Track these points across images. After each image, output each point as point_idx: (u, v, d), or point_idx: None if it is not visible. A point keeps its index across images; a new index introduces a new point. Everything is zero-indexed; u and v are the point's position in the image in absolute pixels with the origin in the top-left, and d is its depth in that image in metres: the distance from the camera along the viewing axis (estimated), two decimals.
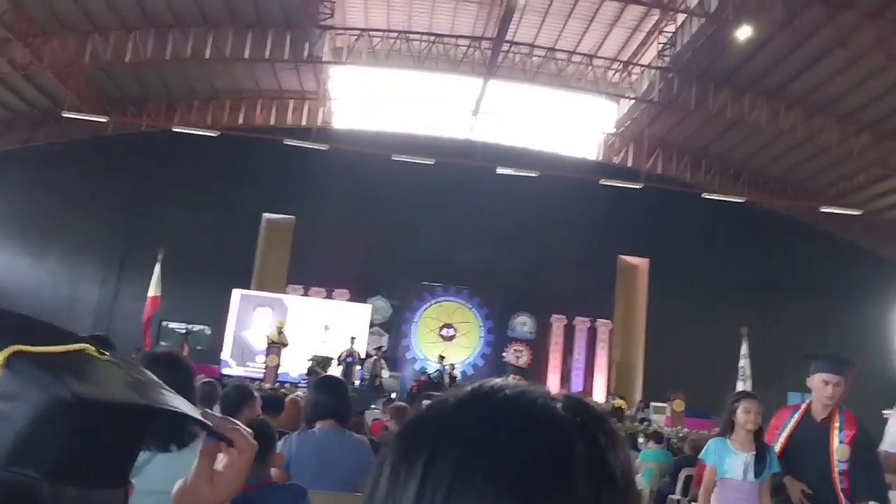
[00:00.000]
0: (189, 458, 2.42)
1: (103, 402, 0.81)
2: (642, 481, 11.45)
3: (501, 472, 0.62)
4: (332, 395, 3.87)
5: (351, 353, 18.39)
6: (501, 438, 0.64)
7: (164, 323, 22.12)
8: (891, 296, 25.38)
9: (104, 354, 0.88)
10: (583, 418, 0.68)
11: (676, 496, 10.06)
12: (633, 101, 23.34)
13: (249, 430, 1.06)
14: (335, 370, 17.67)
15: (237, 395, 4.53)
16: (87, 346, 0.87)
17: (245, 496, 3.02)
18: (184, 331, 22.09)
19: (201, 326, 22.92)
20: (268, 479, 3.09)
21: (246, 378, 18.65)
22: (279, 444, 4.10)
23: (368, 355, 19.39)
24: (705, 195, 22.79)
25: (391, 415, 8.18)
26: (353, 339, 18.82)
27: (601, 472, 0.65)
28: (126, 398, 0.84)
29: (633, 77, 22.75)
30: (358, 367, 18.68)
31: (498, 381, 0.72)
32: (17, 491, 0.76)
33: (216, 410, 4.62)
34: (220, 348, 21.51)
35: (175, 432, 2.50)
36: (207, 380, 6.22)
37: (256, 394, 5.59)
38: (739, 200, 23.17)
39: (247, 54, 20.33)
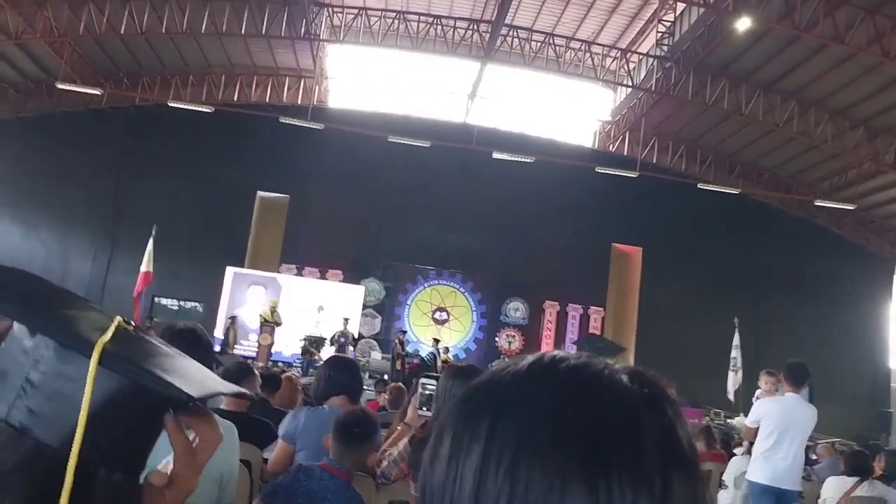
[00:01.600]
0: None
1: (205, 397, 0.83)
2: None
3: (569, 441, 0.61)
4: (344, 372, 3.92)
5: (344, 334, 18.39)
6: (568, 406, 0.63)
7: (157, 299, 22.08)
8: (879, 290, 25.60)
9: (130, 325, 0.89)
10: (651, 390, 0.67)
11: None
12: (630, 90, 23.32)
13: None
14: (328, 350, 17.68)
15: (237, 372, 4.52)
16: (119, 318, 0.88)
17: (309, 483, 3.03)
18: (181, 307, 22.11)
19: (193, 303, 22.90)
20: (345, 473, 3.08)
21: (238, 356, 18.64)
22: (286, 419, 4.10)
23: (361, 336, 19.42)
24: (700, 186, 22.86)
25: (389, 395, 8.21)
26: (346, 320, 18.82)
27: (669, 445, 0.64)
28: (206, 391, 0.85)
29: (631, 65, 22.70)
30: (351, 348, 18.69)
31: (559, 352, 0.70)
32: (78, 475, 0.77)
33: None
34: (212, 326, 21.44)
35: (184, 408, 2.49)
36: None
37: (256, 371, 5.59)
38: (734, 192, 23.23)
39: (243, 29, 20.14)
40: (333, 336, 18.31)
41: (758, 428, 6.43)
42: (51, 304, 0.87)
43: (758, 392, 8.65)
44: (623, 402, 0.65)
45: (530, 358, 0.70)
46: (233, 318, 19.29)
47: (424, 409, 3.22)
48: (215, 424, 0.88)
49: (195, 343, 2.63)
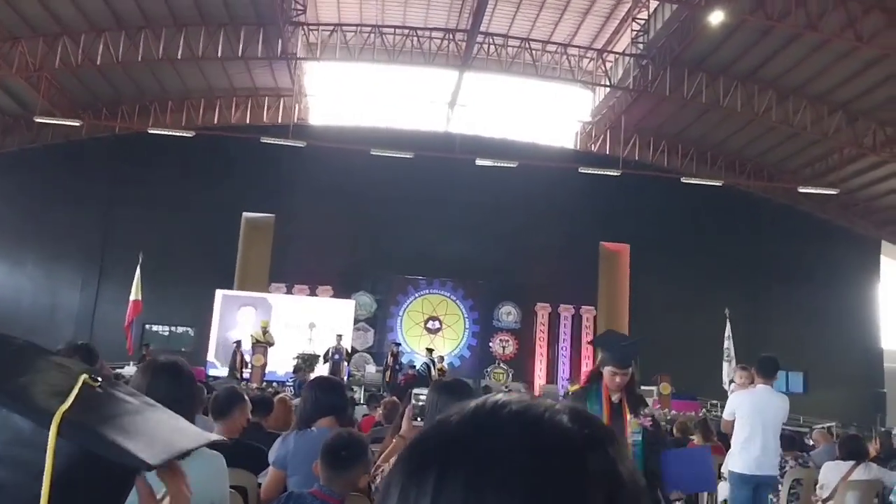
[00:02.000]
0: (188, 468, 2.41)
1: (163, 462, 0.83)
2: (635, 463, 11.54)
3: (514, 489, 0.62)
4: (331, 392, 3.88)
5: (338, 350, 18.36)
6: (512, 454, 0.64)
7: (147, 326, 21.99)
8: (867, 271, 25.76)
9: (97, 381, 0.88)
10: (590, 430, 0.68)
11: (722, 495, 10.11)
12: (608, 89, 23.44)
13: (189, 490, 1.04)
14: (322, 368, 17.65)
15: (227, 399, 4.49)
16: (85, 376, 0.87)
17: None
18: (171, 333, 22.04)
19: (185, 328, 22.84)
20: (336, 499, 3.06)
21: (232, 379, 18.59)
22: (276, 444, 4.10)
23: (354, 350, 19.41)
24: (683, 180, 22.96)
25: (384, 409, 8.17)
26: (339, 336, 18.80)
27: (613, 484, 0.65)
28: (168, 452, 0.85)
29: (608, 65, 22.82)
30: (345, 364, 18.66)
31: (501, 395, 0.71)
32: None
33: (203, 414, 4.59)
34: (204, 349, 21.38)
35: None
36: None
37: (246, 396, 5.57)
38: (717, 184, 23.36)
39: (219, 53, 20.16)
40: (327, 352, 18.28)
41: (734, 420, 6.71)
42: (7, 369, 0.85)
43: (732, 386, 9.13)
44: (565, 445, 0.65)
45: (473, 405, 0.70)
46: (238, 343, 19.11)
47: (419, 419, 3.24)
48: (182, 482, 0.88)
49: (177, 376, 2.64)
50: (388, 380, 18.36)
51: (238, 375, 17.78)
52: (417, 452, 0.68)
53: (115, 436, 0.80)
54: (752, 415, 6.53)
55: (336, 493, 3.09)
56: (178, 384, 2.61)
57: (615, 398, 4.44)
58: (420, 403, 3.26)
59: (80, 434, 0.79)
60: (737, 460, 6.61)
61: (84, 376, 0.87)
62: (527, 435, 0.66)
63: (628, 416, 4.36)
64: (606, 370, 4.39)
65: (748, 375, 7.60)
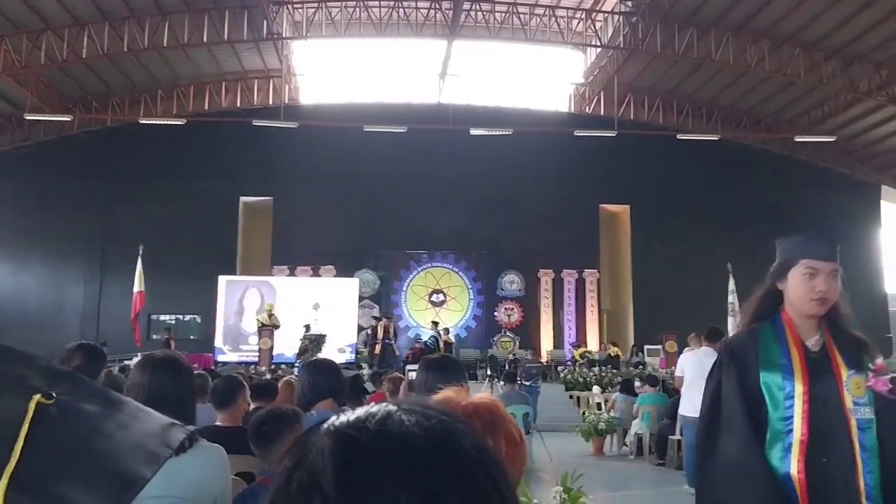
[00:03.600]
0: (188, 463, 2.42)
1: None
2: (642, 425, 11.63)
3: None
4: (327, 375, 3.86)
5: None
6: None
7: (154, 316, 22.09)
8: (869, 217, 25.68)
9: (51, 398, 0.83)
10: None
11: (677, 436, 10.22)
12: (599, 49, 23.24)
13: None
14: (331, 350, 17.78)
15: (228, 387, 4.50)
16: (38, 397, 0.83)
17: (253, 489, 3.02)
18: (172, 322, 22.14)
19: (191, 316, 22.96)
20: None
21: (241, 363, 18.70)
22: None
23: (360, 328, 19.50)
24: (679, 136, 22.84)
25: (390, 385, 8.21)
26: (375, 318, 19.45)
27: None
28: (127, 490, 0.82)
29: (598, 25, 22.57)
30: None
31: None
32: None
33: (206, 403, 4.61)
34: (212, 336, 21.48)
35: None
36: (199, 372, 6.19)
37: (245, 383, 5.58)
38: (714, 138, 23.23)
39: (205, 38, 20.00)
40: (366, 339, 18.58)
41: (683, 376, 8.65)
42: None
43: (685, 350, 10.62)
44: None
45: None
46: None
47: (414, 394, 3.26)
48: None
49: (177, 371, 2.67)
50: (376, 353, 18.27)
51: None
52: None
53: (67, 489, 0.77)
54: (688, 370, 8.39)
55: (272, 472, 3.06)
56: (179, 380, 2.64)
57: (813, 342, 2.46)
58: (413, 378, 3.27)
59: (28, 499, 0.75)
60: (684, 406, 8.43)
61: (37, 398, 0.82)
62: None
63: (843, 374, 2.36)
64: (795, 276, 2.49)
65: (697, 340, 9.21)
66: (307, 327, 18.11)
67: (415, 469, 0.63)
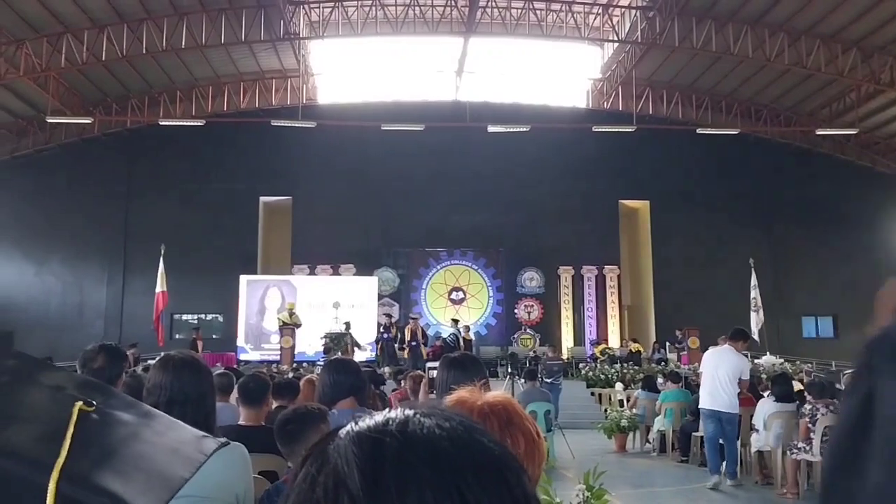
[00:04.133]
0: (210, 463, 2.43)
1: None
2: (665, 422, 11.56)
3: None
4: (348, 373, 3.86)
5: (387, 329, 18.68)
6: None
7: (176, 316, 22.28)
8: (893, 209, 25.37)
9: (92, 406, 0.86)
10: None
11: (700, 433, 10.15)
12: (616, 44, 23.10)
13: None
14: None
15: (258, 387, 4.52)
16: (80, 403, 0.85)
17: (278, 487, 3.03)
18: (195, 322, 22.33)
19: (213, 315, 23.14)
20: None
21: (263, 361, 18.81)
22: None
23: (381, 326, 19.59)
24: (699, 131, 22.69)
25: (411, 383, 8.23)
26: (388, 315, 19.64)
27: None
28: (164, 494, 0.84)
29: (615, 19, 22.46)
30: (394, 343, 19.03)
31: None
32: None
33: (232, 400, 4.64)
34: (234, 335, 21.63)
35: None
36: (223, 371, 6.23)
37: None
38: (734, 132, 23.05)
39: (222, 39, 20.10)
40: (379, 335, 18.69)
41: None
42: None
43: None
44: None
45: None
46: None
47: (434, 392, 3.26)
48: None
49: (198, 371, 2.69)
50: (406, 356, 18.43)
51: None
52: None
53: (113, 484, 0.79)
54: (707, 366, 8.83)
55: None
56: (199, 380, 2.66)
57: None
58: (433, 376, 3.26)
59: (78, 490, 0.77)
60: (702, 399, 8.85)
61: (79, 405, 0.84)
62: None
63: None
64: None
65: (724, 339, 9.60)
66: (347, 325, 18.30)
67: (440, 467, 0.64)
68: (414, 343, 18.34)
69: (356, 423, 0.70)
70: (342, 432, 0.69)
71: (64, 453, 0.78)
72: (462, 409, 1.34)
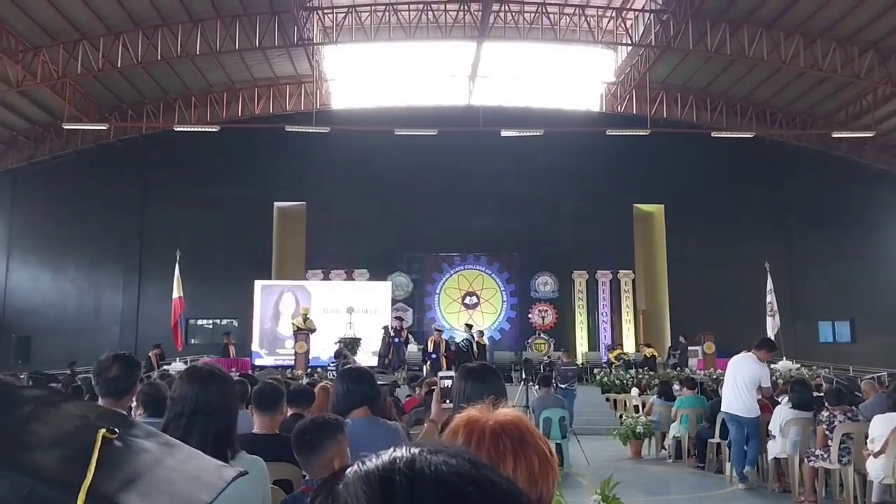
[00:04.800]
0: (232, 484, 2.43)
1: None
2: (680, 428, 11.49)
3: None
4: (362, 383, 3.86)
5: (398, 332, 18.68)
6: None
7: (192, 321, 22.39)
8: None
9: (115, 433, 0.87)
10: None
11: (716, 440, 10.08)
12: (630, 48, 23.03)
13: None
14: (365, 354, 17.85)
15: (273, 394, 4.52)
16: (104, 430, 0.86)
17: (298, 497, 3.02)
18: (216, 325, 22.54)
19: (228, 320, 23.22)
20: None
21: (277, 367, 18.85)
22: None
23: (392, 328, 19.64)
24: (714, 134, 22.57)
25: (427, 389, 8.22)
26: (397, 318, 19.63)
27: None
28: None
29: (629, 23, 22.39)
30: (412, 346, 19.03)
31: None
32: None
33: (249, 408, 4.64)
34: (249, 340, 21.71)
35: (223, 450, 2.56)
36: (238, 378, 6.24)
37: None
38: (749, 136, 22.93)
39: (237, 45, 20.20)
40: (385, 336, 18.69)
41: None
42: (23, 433, 0.83)
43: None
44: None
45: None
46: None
47: (447, 401, 3.24)
48: None
49: (222, 382, 2.73)
50: (428, 368, 18.37)
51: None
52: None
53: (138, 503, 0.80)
54: (729, 371, 9.18)
55: (316, 480, 3.04)
56: (224, 392, 2.69)
57: None
58: (445, 385, 3.25)
59: None
60: (723, 403, 9.21)
61: (102, 431, 0.85)
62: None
63: None
64: None
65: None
66: (386, 329, 18.42)
67: (451, 502, 0.65)
68: (434, 356, 18.24)
69: (363, 462, 0.71)
70: (350, 471, 0.70)
71: (90, 475, 0.78)
72: (473, 428, 1.32)
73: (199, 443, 2.52)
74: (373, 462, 0.70)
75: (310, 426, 3.19)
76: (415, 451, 0.70)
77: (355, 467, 0.70)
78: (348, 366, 6.52)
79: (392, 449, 0.72)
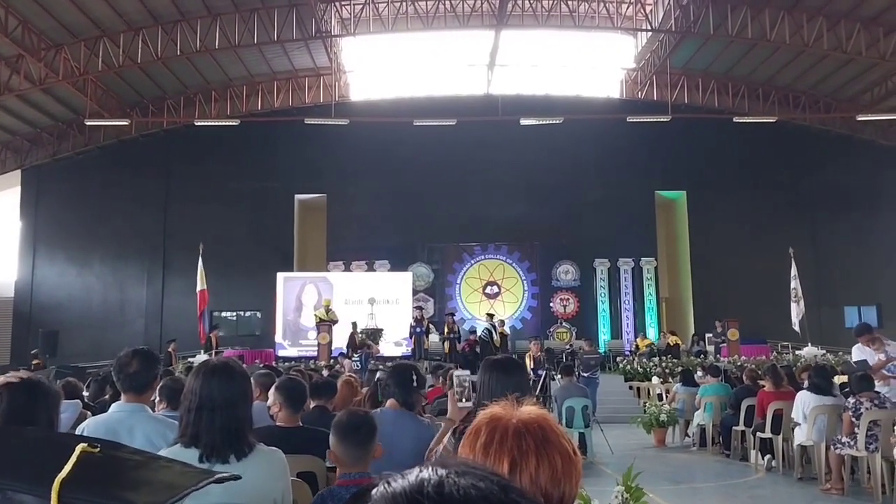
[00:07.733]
0: (247, 470, 2.44)
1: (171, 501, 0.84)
2: (704, 416, 11.43)
3: None
4: (395, 376, 4.08)
5: (419, 322, 18.77)
6: None
7: (216, 313, 22.58)
8: None
9: (96, 448, 0.89)
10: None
11: (741, 427, 10.02)
12: (650, 33, 22.80)
13: None
14: (388, 344, 17.93)
15: (301, 393, 4.54)
16: (83, 445, 0.88)
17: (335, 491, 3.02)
18: (240, 317, 22.75)
19: (251, 312, 23.41)
20: (367, 479, 3.00)
21: (300, 358, 18.97)
22: None
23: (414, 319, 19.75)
24: (736, 119, 22.34)
25: (449, 380, 8.22)
26: (419, 308, 19.70)
27: None
28: (168, 496, 0.86)
29: (648, 8, 22.17)
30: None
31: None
32: None
33: (272, 398, 4.67)
34: (272, 332, 21.87)
35: (234, 444, 2.56)
36: (264, 371, 6.27)
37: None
38: (771, 120, 22.65)
39: (255, 39, 20.27)
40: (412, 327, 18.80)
41: None
42: (9, 458, 0.88)
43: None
44: None
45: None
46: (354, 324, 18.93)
47: (464, 400, 3.23)
48: None
49: (230, 378, 2.69)
50: (447, 351, 18.51)
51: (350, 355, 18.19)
52: None
53: (116, 490, 0.81)
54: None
55: (363, 473, 3.04)
56: (230, 386, 2.67)
57: None
58: (462, 386, 3.24)
59: (80, 495, 0.79)
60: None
61: (82, 446, 0.88)
62: None
63: None
64: None
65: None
66: (354, 325, 18.43)
67: None
68: (419, 330, 18.68)
69: (389, 483, 0.70)
70: (377, 492, 0.69)
71: (66, 470, 0.81)
72: (496, 426, 1.32)
73: (207, 437, 2.53)
74: (399, 483, 0.69)
75: (365, 421, 3.19)
76: (442, 472, 0.70)
77: (381, 488, 0.70)
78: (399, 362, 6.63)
79: (418, 469, 0.71)
